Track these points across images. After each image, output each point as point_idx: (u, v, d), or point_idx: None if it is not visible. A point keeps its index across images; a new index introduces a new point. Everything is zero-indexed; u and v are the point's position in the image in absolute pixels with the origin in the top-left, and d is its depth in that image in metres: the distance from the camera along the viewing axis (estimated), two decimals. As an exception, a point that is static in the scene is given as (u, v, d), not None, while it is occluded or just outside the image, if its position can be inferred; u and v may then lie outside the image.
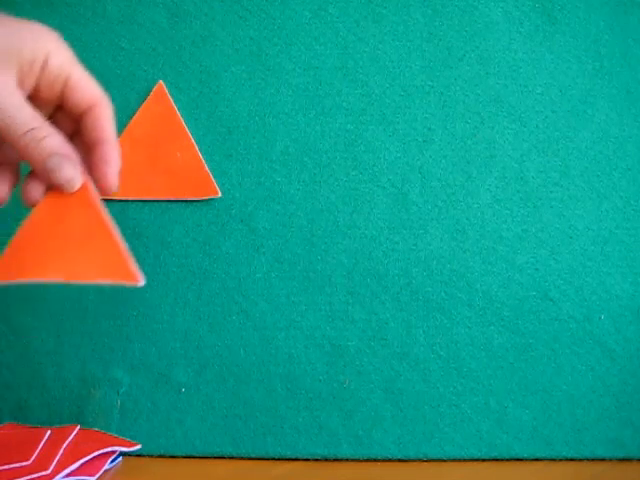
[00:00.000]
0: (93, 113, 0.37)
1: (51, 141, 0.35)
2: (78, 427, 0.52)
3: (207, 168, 0.57)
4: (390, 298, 0.56)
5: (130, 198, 0.57)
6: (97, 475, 0.49)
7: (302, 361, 0.56)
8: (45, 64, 0.35)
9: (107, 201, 0.57)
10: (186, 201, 0.57)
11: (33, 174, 0.37)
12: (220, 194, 0.57)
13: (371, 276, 0.56)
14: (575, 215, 0.56)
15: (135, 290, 0.57)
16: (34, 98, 0.36)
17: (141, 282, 0.35)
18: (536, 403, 0.54)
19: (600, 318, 0.55)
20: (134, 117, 0.57)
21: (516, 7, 0.58)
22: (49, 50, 0.35)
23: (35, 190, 0.37)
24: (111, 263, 0.35)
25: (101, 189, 0.37)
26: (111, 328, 0.57)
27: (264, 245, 0.57)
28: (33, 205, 0.37)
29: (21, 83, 0.35)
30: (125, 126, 0.57)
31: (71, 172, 0.36)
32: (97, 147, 0.37)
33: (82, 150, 0.37)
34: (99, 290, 0.57)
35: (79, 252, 0.35)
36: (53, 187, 0.37)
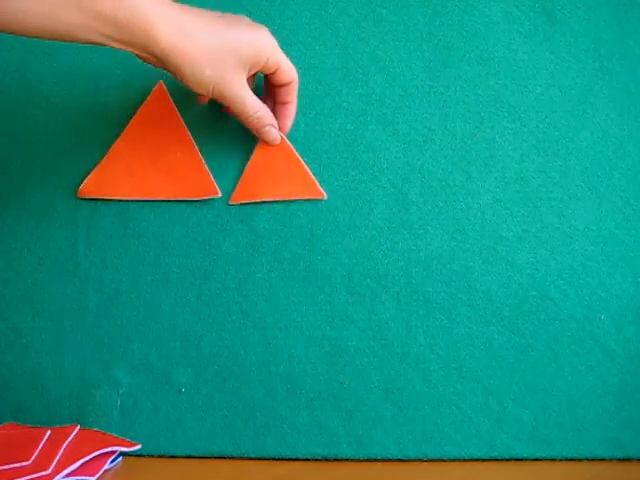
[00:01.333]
0: (289, 86, 0.54)
1: (265, 117, 0.53)
2: (78, 427, 0.52)
3: (207, 168, 0.57)
4: (390, 298, 0.56)
5: (130, 198, 0.57)
6: (97, 475, 0.49)
7: (302, 361, 0.56)
8: (267, 59, 0.50)
9: (107, 201, 0.57)
10: (186, 201, 0.57)
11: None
12: (220, 194, 0.57)
13: (371, 276, 0.56)
14: (575, 215, 0.56)
15: (135, 290, 0.57)
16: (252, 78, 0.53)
17: (325, 196, 0.56)
18: (536, 403, 0.54)
19: (600, 318, 0.55)
20: (134, 117, 0.57)
21: (516, 7, 0.58)
22: (268, 50, 0.50)
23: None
24: (303, 185, 0.56)
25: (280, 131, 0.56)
26: (111, 328, 0.57)
27: (264, 245, 0.57)
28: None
29: (249, 75, 0.51)
30: (125, 126, 0.57)
31: (275, 135, 0.55)
32: (285, 106, 0.55)
33: (271, 104, 0.55)
34: (99, 290, 0.57)
35: (284, 179, 0.57)
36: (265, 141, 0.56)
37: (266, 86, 0.56)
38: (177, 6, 0.47)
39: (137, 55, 0.48)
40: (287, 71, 0.52)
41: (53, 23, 0.43)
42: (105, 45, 0.46)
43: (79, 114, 0.58)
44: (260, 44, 0.50)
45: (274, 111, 0.55)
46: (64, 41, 0.46)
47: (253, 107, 0.52)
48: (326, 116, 0.57)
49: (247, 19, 0.51)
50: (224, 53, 0.48)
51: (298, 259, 0.56)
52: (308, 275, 0.56)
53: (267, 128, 0.54)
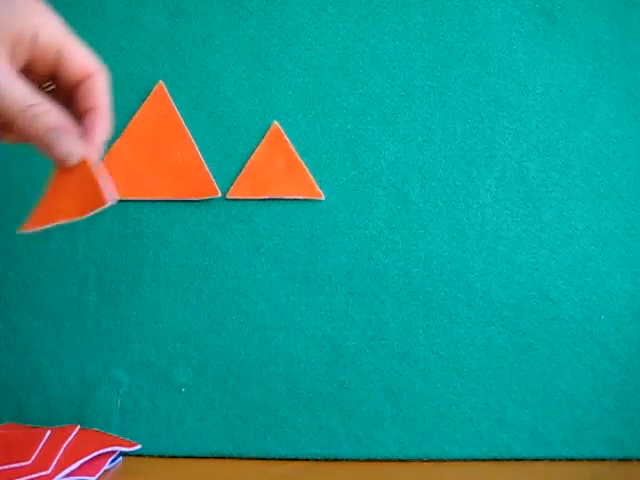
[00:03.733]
0: (88, 83, 0.37)
1: (48, 117, 0.35)
2: (78, 427, 0.52)
3: (207, 168, 0.57)
4: (390, 298, 0.56)
5: (130, 198, 0.57)
6: (97, 475, 0.49)
7: (302, 361, 0.56)
8: (35, 37, 0.34)
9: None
10: (186, 201, 0.57)
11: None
12: (220, 194, 0.57)
13: (371, 276, 0.56)
14: (575, 215, 0.56)
15: (135, 290, 0.57)
16: (28, 72, 0.36)
17: (323, 196, 0.54)
18: (536, 403, 0.54)
19: (600, 318, 0.55)
20: (134, 117, 0.57)
21: (516, 7, 0.58)
22: (38, 23, 0.34)
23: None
24: (301, 185, 0.55)
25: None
26: (111, 328, 0.57)
27: (264, 245, 0.57)
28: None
29: (12, 59, 0.34)
30: (125, 126, 0.57)
31: (69, 147, 0.35)
32: (89, 115, 0.37)
33: (74, 118, 0.37)
34: (99, 290, 0.57)
35: (282, 178, 0.54)
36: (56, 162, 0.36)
37: (60, 95, 0.38)
38: None
39: None
40: (79, 58, 0.36)
41: None
42: None
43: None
44: (25, 12, 0.34)
45: (80, 128, 0.37)
46: None
47: (23, 98, 0.34)
48: (326, 116, 0.57)
49: None
50: None
51: (298, 259, 0.56)
52: (308, 275, 0.56)
53: (53, 134, 0.35)
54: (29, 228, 0.38)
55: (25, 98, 0.34)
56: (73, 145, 0.35)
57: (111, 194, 0.37)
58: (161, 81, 0.58)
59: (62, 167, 0.36)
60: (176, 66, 0.58)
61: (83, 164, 0.36)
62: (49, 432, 0.51)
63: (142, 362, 0.56)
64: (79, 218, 0.37)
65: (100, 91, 0.37)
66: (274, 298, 0.56)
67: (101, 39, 0.58)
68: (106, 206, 0.37)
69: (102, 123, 0.37)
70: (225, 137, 0.57)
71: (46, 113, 0.35)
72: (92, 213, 0.37)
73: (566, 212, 0.56)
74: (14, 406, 0.56)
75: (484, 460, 0.54)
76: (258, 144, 0.57)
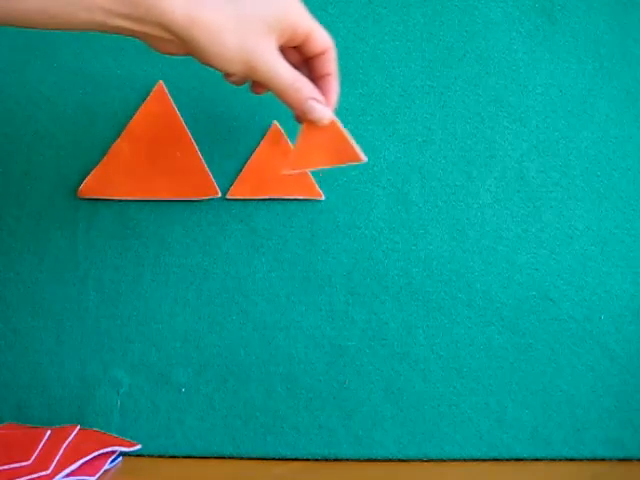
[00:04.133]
0: (325, 56, 0.46)
1: (306, 89, 0.45)
2: (78, 427, 0.52)
3: (207, 168, 0.57)
4: (390, 298, 0.56)
5: (130, 198, 0.57)
6: (97, 475, 0.49)
7: (302, 361, 0.56)
8: (296, 27, 0.44)
9: (107, 201, 0.57)
10: (186, 201, 0.57)
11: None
12: (220, 194, 0.57)
13: (371, 276, 0.56)
14: (575, 215, 0.56)
15: (135, 290, 0.57)
16: (282, 49, 0.45)
17: (323, 196, 0.55)
18: (536, 403, 0.54)
19: (600, 318, 0.55)
20: (134, 117, 0.57)
21: (516, 7, 0.58)
22: (295, 13, 0.44)
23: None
24: (302, 184, 0.55)
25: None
26: (111, 328, 0.57)
27: (264, 245, 0.57)
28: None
29: (279, 44, 0.44)
30: (125, 126, 0.57)
31: (322, 112, 0.46)
32: (324, 79, 0.47)
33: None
34: (99, 290, 0.57)
35: (282, 177, 0.55)
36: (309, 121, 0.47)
37: (301, 66, 0.48)
38: None
39: (150, 43, 0.43)
40: (320, 37, 0.45)
41: (55, 2, 0.38)
42: (110, 26, 0.40)
43: (79, 114, 0.58)
44: (286, 7, 0.43)
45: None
46: (64, 26, 0.40)
47: (289, 77, 0.44)
48: (326, 116, 0.57)
49: None
50: (246, 18, 0.41)
51: (298, 259, 0.56)
52: (308, 275, 0.56)
53: (310, 103, 0.45)
54: (291, 169, 0.48)
55: (290, 77, 0.44)
56: (325, 110, 0.46)
57: (361, 152, 0.47)
58: (161, 81, 0.58)
59: (311, 125, 0.46)
60: (176, 66, 0.58)
61: (332, 124, 0.46)
62: (49, 432, 0.51)
63: (142, 362, 0.56)
64: (332, 166, 0.48)
65: (333, 62, 0.47)
66: (274, 298, 0.56)
67: (101, 39, 0.58)
68: (362, 161, 0.47)
69: (336, 87, 0.47)
70: (225, 137, 0.57)
71: (304, 86, 0.45)
72: (345, 164, 0.47)
73: (566, 212, 0.56)
74: (14, 406, 0.56)
75: (484, 460, 0.54)
76: (258, 144, 0.57)
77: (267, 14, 0.42)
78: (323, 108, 0.46)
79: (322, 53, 0.46)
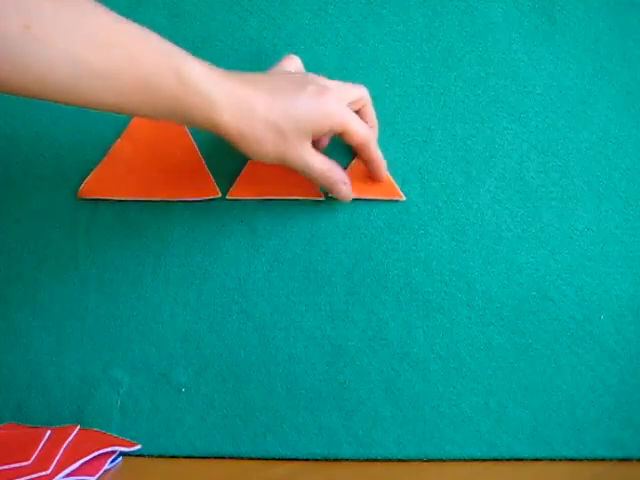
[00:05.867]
0: (363, 146, 0.52)
1: (335, 174, 0.52)
2: (78, 427, 0.52)
3: (207, 168, 0.57)
4: (390, 298, 0.56)
5: (130, 198, 0.57)
6: (97, 475, 0.49)
7: (302, 361, 0.56)
8: (331, 127, 0.49)
9: (107, 201, 0.57)
10: (186, 201, 0.57)
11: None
12: (220, 194, 0.57)
13: (371, 276, 0.56)
14: (575, 215, 0.56)
15: (135, 290, 0.57)
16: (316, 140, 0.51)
17: (323, 197, 0.57)
18: (536, 403, 0.54)
19: (600, 318, 0.55)
20: (134, 117, 0.57)
21: (516, 7, 0.58)
22: (332, 118, 0.49)
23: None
24: (302, 185, 0.56)
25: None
26: (111, 328, 0.57)
27: (264, 245, 0.57)
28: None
29: (313, 139, 0.49)
30: (125, 126, 0.57)
31: (346, 192, 0.54)
32: (367, 162, 0.54)
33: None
34: (99, 290, 0.57)
35: (283, 178, 0.56)
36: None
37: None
38: (237, 78, 0.46)
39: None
40: (355, 134, 0.50)
41: (114, 97, 0.43)
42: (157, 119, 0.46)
43: (79, 114, 0.58)
44: (324, 112, 0.48)
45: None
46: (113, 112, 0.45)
47: (318, 170, 0.50)
48: (326, 116, 0.57)
49: (315, 78, 0.50)
50: (285, 126, 0.47)
51: (298, 259, 0.56)
52: (308, 275, 0.56)
53: (338, 186, 0.52)
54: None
55: (321, 168, 0.50)
56: (349, 191, 0.54)
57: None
58: (161, 81, 0.58)
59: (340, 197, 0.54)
60: (176, 66, 0.58)
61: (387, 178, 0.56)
62: (49, 432, 0.51)
63: (142, 362, 0.56)
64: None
65: (369, 150, 0.52)
66: (274, 298, 0.56)
67: (101, 39, 0.58)
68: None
69: (380, 173, 0.55)
70: (225, 137, 0.57)
71: (333, 175, 0.52)
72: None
73: (566, 212, 0.56)
74: (14, 406, 0.56)
75: (484, 460, 0.54)
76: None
77: (304, 121, 0.47)
78: (348, 190, 0.54)
79: (358, 145, 0.52)
